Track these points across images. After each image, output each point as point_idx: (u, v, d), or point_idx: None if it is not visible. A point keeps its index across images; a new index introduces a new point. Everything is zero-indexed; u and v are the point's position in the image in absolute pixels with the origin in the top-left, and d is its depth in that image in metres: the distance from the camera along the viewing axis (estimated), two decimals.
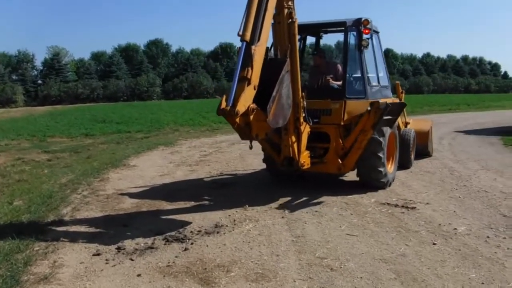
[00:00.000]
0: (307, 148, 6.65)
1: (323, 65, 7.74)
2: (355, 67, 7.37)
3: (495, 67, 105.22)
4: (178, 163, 10.23)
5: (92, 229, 5.50)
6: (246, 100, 4.90)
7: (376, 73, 7.65)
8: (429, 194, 6.79)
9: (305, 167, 6.66)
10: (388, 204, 6.27)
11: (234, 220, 5.67)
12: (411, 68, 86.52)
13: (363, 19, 7.03)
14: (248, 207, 6.23)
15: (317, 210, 6.07)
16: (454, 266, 4.13)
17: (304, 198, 6.65)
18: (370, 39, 7.13)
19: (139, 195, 7.19)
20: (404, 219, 5.59)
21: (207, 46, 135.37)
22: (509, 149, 11.56)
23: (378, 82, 7.65)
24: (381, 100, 6.72)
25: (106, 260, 4.46)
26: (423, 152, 9.99)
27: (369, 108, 6.50)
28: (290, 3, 6.00)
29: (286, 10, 5.94)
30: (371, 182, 7.01)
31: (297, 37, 6.20)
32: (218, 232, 5.22)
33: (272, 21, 5.69)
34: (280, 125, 5.61)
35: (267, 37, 5.43)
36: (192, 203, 6.59)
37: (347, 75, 7.10)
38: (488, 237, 4.88)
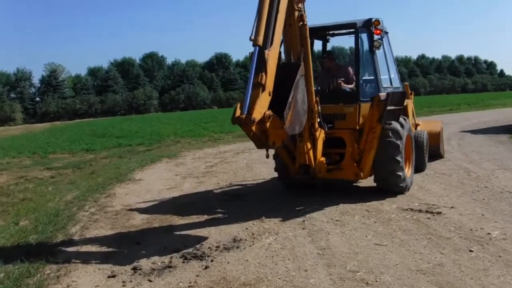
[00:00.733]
0: (322, 154, 6.42)
1: (334, 68, 7.51)
2: (367, 69, 7.16)
3: (491, 65, 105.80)
4: (185, 175, 9.96)
5: (104, 249, 5.22)
6: (262, 107, 4.68)
7: (388, 75, 7.45)
8: (451, 198, 6.51)
9: (322, 174, 6.41)
10: (411, 209, 5.98)
11: (253, 234, 5.38)
12: (406, 70, 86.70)
13: (373, 19, 6.85)
14: (264, 218, 5.94)
15: (338, 219, 5.78)
16: (499, 275, 3.85)
17: (322, 207, 6.35)
18: (381, 40, 6.93)
19: (149, 210, 6.91)
20: (432, 225, 5.30)
21: (202, 57, 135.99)
22: None
23: (391, 84, 7.43)
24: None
25: (123, 282, 4.18)
26: (435, 153, 9.74)
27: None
28: (300, 5, 5.82)
29: (297, 13, 5.76)
30: (390, 187, 6.73)
31: (309, 40, 6.01)
32: (237, 247, 4.94)
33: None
34: (297, 132, 5.36)
35: (279, 40, 5.23)
36: (205, 217, 6.30)
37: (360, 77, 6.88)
38: None
